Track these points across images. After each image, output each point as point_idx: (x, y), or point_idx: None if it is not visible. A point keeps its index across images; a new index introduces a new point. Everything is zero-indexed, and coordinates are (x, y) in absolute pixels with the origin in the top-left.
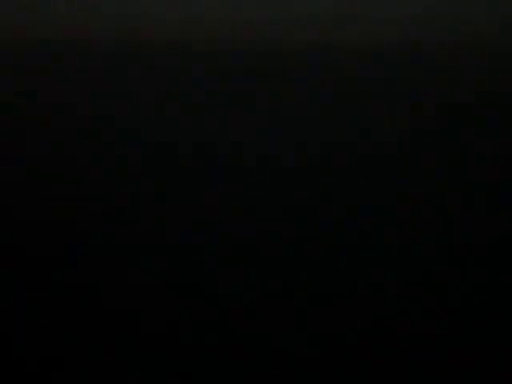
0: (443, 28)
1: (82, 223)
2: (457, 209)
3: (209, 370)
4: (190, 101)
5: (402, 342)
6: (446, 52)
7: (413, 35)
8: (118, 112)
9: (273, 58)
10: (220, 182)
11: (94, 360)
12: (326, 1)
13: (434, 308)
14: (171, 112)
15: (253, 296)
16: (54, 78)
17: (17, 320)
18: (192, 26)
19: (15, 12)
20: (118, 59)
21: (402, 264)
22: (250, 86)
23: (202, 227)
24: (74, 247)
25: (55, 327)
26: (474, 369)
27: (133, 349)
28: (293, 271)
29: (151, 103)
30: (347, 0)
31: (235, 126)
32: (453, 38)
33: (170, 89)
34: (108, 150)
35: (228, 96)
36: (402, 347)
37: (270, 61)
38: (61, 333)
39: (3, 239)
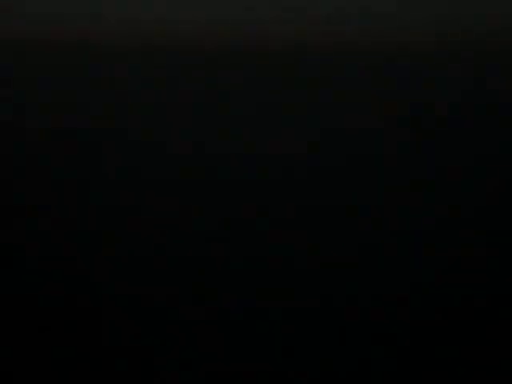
0: (443, 28)
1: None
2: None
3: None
4: (192, 101)
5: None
6: (446, 52)
7: (413, 35)
8: (119, 112)
9: (274, 58)
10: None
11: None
12: (327, 1)
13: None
14: (172, 112)
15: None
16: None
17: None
18: (191, 27)
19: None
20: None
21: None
22: (250, 85)
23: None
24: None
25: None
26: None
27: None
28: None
29: (153, 104)
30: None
31: (237, 127)
32: (453, 38)
33: (171, 91)
34: (109, 153)
35: (228, 97)
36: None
37: (271, 61)
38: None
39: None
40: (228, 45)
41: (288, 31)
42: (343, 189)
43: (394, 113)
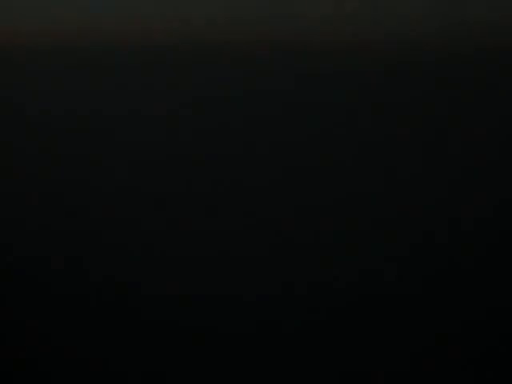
0: (443, 28)
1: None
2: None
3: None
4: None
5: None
6: (446, 51)
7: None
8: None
9: (275, 58)
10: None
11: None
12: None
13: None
14: (172, 112)
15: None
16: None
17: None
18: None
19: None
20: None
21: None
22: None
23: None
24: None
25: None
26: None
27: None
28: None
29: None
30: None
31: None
32: (452, 38)
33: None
34: (110, 152)
35: (229, 98)
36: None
37: (273, 61)
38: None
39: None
40: (228, 42)
41: (288, 30)
42: (343, 187)
43: (394, 112)
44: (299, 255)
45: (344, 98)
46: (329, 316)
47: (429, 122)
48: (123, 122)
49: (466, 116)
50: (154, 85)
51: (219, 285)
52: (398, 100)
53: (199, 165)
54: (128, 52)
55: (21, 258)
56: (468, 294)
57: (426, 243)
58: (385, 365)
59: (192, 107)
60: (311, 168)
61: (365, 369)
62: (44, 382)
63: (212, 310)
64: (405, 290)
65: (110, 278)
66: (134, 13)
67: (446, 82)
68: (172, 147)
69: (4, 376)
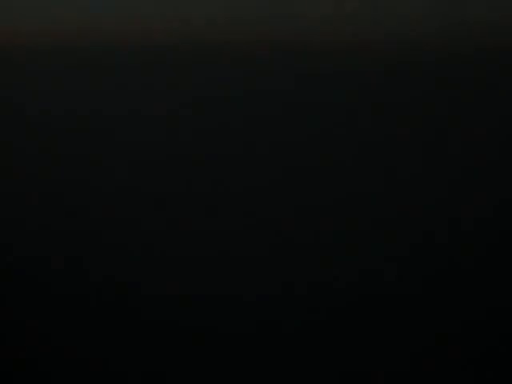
0: (443, 27)
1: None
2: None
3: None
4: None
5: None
6: (446, 51)
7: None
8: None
9: (275, 58)
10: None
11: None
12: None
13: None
14: (172, 112)
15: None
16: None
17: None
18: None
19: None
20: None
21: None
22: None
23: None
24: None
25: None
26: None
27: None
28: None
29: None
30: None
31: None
32: (452, 37)
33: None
34: (110, 152)
35: (230, 98)
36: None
37: (274, 61)
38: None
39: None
40: (228, 42)
41: (288, 30)
42: (343, 187)
43: (394, 112)
44: (299, 255)
45: (344, 98)
46: (329, 316)
47: (429, 121)
48: (123, 122)
49: (466, 116)
50: (154, 85)
51: (219, 285)
52: (398, 100)
53: (199, 165)
54: (128, 52)
55: (21, 257)
56: (468, 294)
57: (426, 243)
58: (385, 365)
59: (192, 107)
60: (311, 168)
61: (365, 369)
62: (44, 382)
63: (212, 310)
64: (405, 289)
65: (110, 277)
66: (133, 13)
67: (446, 82)
68: (172, 147)
69: (4, 376)
